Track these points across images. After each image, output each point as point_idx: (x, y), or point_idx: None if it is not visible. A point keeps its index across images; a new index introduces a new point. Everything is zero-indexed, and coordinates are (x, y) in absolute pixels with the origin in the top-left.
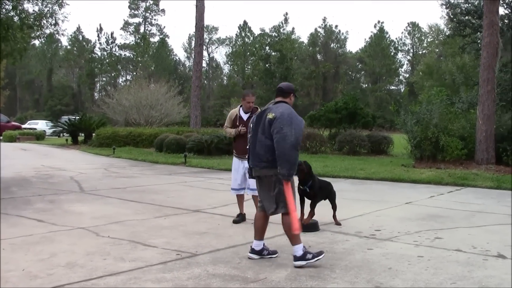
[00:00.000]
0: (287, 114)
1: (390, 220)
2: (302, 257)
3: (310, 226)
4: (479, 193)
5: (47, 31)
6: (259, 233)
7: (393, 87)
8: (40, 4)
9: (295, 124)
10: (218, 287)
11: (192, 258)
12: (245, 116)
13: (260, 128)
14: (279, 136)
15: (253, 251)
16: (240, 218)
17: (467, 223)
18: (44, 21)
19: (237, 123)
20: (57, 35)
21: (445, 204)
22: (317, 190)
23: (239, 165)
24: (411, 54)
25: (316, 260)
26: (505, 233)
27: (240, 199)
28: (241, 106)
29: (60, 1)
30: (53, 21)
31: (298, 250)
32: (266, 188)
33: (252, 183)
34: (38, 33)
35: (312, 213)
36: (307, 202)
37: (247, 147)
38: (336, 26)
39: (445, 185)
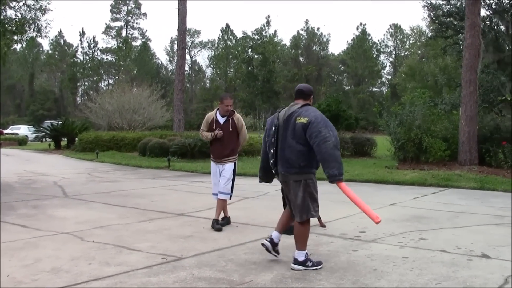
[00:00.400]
0: (320, 116)
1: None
2: (303, 263)
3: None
4: (462, 194)
5: (30, 35)
6: (280, 227)
7: (375, 89)
8: (22, 10)
9: (330, 125)
10: None
11: (177, 262)
12: (222, 120)
13: (289, 133)
14: (319, 139)
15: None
16: (225, 221)
17: (451, 224)
18: (27, 28)
19: (214, 127)
20: (39, 38)
21: (429, 205)
22: None
23: (216, 169)
24: (393, 56)
25: (314, 269)
26: (489, 233)
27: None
28: (217, 109)
29: (43, 7)
30: (36, 28)
31: (301, 256)
32: (289, 193)
33: (221, 186)
34: (19, 38)
35: None
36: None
37: (272, 151)
38: (318, 29)
39: (428, 186)
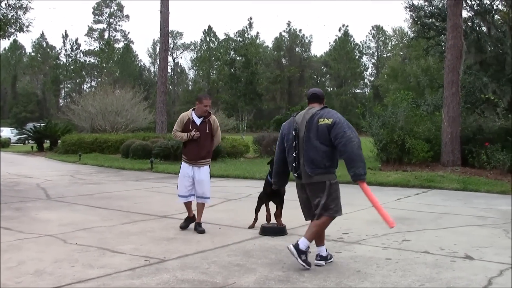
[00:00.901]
0: (342, 117)
1: (357, 223)
2: (325, 258)
3: (278, 230)
4: (445, 195)
5: (12, 35)
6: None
7: (358, 91)
8: (4, 9)
9: (351, 126)
10: None
11: (160, 264)
12: (198, 121)
13: (313, 135)
14: (345, 140)
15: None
16: (188, 222)
17: (434, 225)
18: (8, 27)
19: (190, 127)
20: (21, 33)
21: (412, 206)
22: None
23: (189, 171)
24: (375, 57)
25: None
26: (472, 234)
27: (189, 205)
28: (193, 109)
29: (25, 6)
30: (18, 27)
31: (323, 251)
32: (312, 194)
33: (201, 190)
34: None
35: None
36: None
37: (293, 154)
38: (301, 30)
39: (411, 188)
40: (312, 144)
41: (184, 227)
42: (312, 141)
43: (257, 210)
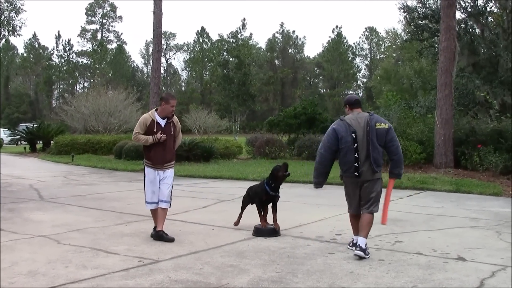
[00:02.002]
0: None
1: (350, 225)
2: (364, 250)
3: (271, 231)
4: (438, 197)
5: (4, 36)
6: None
7: (351, 92)
8: None
9: None
10: None
11: (154, 265)
12: (162, 122)
13: (374, 137)
14: (397, 144)
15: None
16: (160, 235)
17: (427, 227)
18: (1, 28)
19: (155, 130)
20: (13, 37)
21: (405, 208)
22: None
23: (155, 176)
24: (368, 59)
25: (368, 257)
26: (465, 236)
27: (155, 212)
28: (155, 110)
29: (18, 7)
30: (11, 28)
31: (363, 243)
32: (370, 190)
33: (164, 194)
34: None
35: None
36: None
37: (355, 155)
38: (294, 32)
39: (404, 189)
40: (375, 146)
41: (155, 236)
42: (374, 143)
43: (242, 211)
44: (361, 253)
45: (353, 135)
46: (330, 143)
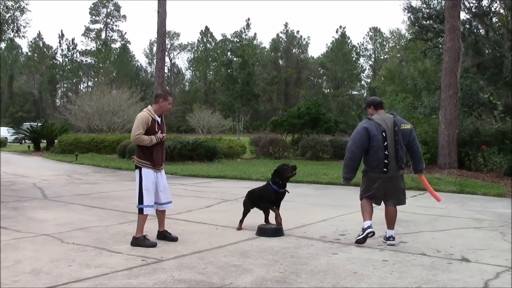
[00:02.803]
0: None
1: (354, 225)
2: (391, 238)
3: (275, 231)
4: (442, 197)
5: (8, 36)
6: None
7: (355, 92)
8: (1, 10)
9: None
10: None
11: (157, 264)
12: (159, 120)
13: (400, 137)
14: (417, 143)
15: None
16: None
17: (431, 227)
18: (6, 28)
19: (156, 129)
20: (18, 38)
21: (409, 208)
22: None
23: (156, 178)
24: (372, 59)
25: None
26: (469, 236)
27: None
28: (151, 106)
29: (22, 7)
30: (15, 28)
31: (392, 232)
32: (396, 185)
33: (166, 195)
34: None
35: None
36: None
37: (385, 152)
38: (298, 32)
39: (408, 190)
40: (401, 145)
41: (159, 236)
42: (401, 142)
43: (244, 217)
44: (395, 242)
45: (383, 134)
46: (362, 141)
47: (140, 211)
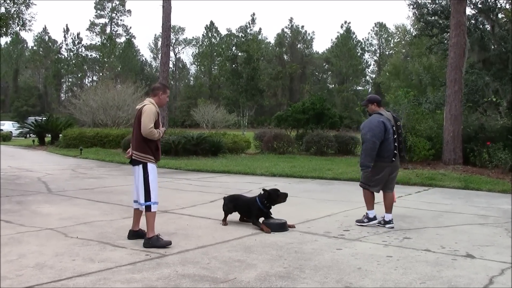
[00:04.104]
0: None
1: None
2: (391, 221)
3: (279, 226)
4: (446, 193)
5: (14, 30)
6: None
7: (359, 88)
8: (6, 5)
9: None
10: None
11: (161, 259)
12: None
13: (400, 130)
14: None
15: (392, 222)
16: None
17: (435, 223)
18: (11, 22)
19: (159, 122)
20: (23, 31)
21: (413, 204)
22: None
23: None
24: (377, 55)
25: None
26: (473, 233)
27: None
28: (152, 99)
29: (27, 1)
30: (20, 22)
31: (391, 216)
32: (396, 174)
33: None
34: (4, 31)
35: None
36: None
37: (395, 144)
38: (303, 27)
39: (412, 185)
40: (402, 138)
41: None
42: (401, 135)
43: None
44: (393, 225)
45: (393, 128)
46: (381, 133)
47: (148, 208)
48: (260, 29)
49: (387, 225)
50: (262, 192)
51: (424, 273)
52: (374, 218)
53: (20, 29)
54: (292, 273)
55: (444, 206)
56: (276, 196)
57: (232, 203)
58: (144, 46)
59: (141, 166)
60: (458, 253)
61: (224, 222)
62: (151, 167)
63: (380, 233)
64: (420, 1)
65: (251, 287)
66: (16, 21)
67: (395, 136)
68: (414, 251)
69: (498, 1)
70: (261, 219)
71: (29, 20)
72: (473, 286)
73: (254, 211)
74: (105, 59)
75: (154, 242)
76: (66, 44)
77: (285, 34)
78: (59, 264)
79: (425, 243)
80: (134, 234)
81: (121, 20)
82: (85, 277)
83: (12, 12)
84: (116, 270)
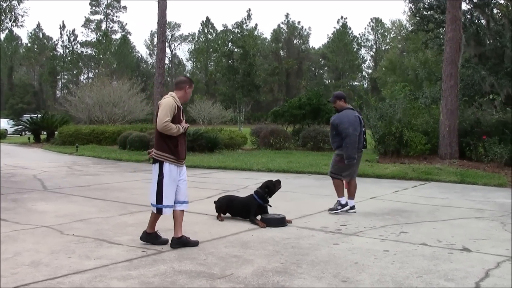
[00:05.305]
0: None
1: (355, 215)
2: (354, 207)
3: (278, 221)
4: (443, 188)
5: (6, 27)
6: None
7: (356, 83)
8: None
9: None
10: (184, 284)
11: (157, 255)
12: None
13: (363, 124)
14: None
15: (355, 207)
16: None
17: (432, 217)
18: (3, 17)
19: (181, 117)
20: (16, 27)
21: (410, 198)
22: None
23: (177, 174)
24: (374, 50)
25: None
26: (470, 227)
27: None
28: (174, 93)
29: None
30: (13, 17)
31: (354, 202)
32: (359, 162)
33: (185, 193)
34: None
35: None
36: None
37: (363, 136)
38: (299, 22)
39: (409, 180)
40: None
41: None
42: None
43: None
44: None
45: (362, 121)
46: (358, 127)
47: (159, 211)
48: (256, 24)
49: (351, 211)
50: (259, 189)
51: (420, 267)
52: (346, 204)
53: (12, 25)
54: (289, 268)
55: (440, 200)
56: (273, 186)
57: (225, 203)
58: (140, 43)
59: (157, 164)
60: (454, 247)
61: (220, 217)
62: (170, 168)
63: (377, 227)
64: None
65: (248, 283)
66: (9, 16)
67: (363, 129)
68: (411, 245)
69: None
70: (258, 216)
71: (21, 16)
72: (469, 279)
73: (253, 209)
74: (101, 56)
75: (152, 239)
76: (62, 41)
77: (281, 30)
78: (54, 262)
79: (422, 237)
80: (178, 242)
81: (116, 16)
82: (81, 274)
83: (4, 7)
84: (112, 267)
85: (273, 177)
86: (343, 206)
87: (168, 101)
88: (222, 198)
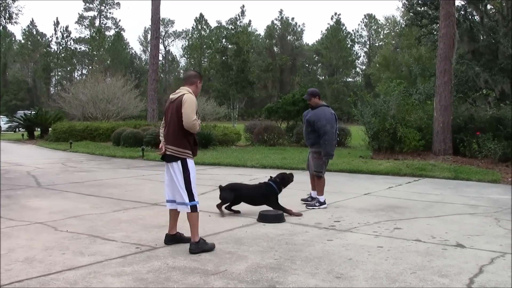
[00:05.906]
0: None
1: (349, 211)
2: (324, 203)
3: (276, 217)
4: (436, 184)
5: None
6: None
7: (350, 79)
8: None
9: None
10: (178, 280)
11: (151, 251)
12: None
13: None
14: None
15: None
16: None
17: (426, 214)
18: None
19: (197, 113)
20: (10, 24)
21: (404, 194)
22: None
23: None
24: (367, 46)
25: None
26: (463, 223)
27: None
28: (189, 89)
29: None
30: (7, 15)
31: (322, 198)
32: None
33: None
34: None
35: None
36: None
37: (337, 132)
38: (293, 19)
39: (403, 176)
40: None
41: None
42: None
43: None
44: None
45: (337, 118)
46: (335, 124)
47: (194, 208)
48: (250, 21)
49: (322, 206)
50: (273, 177)
51: (414, 263)
52: (324, 202)
53: (6, 22)
54: (283, 264)
55: (434, 196)
56: (287, 178)
57: (234, 192)
58: (134, 39)
59: (179, 162)
60: (448, 242)
61: (221, 211)
62: (191, 163)
63: (371, 223)
64: None
65: (242, 279)
66: (3, 14)
67: (337, 126)
68: (405, 241)
69: None
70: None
71: (16, 14)
72: (463, 275)
73: (274, 196)
74: (95, 52)
75: (202, 246)
76: (56, 38)
77: (275, 26)
78: (48, 258)
79: (416, 233)
80: (172, 238)
81: (110, 13)
82: (75, 270)
83: None
84: (106, 264)
85: (268, 173)
86: (321, 203)
87: (192, 98)
88: (229, 186)
